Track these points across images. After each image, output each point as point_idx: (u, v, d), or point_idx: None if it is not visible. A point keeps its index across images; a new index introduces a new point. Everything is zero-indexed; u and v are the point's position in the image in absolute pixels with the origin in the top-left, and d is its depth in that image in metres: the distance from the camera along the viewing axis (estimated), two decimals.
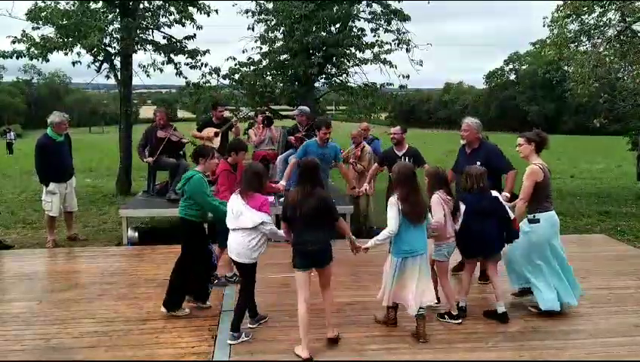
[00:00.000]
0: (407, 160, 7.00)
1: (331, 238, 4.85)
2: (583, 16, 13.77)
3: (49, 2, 11.98)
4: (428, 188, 5.44)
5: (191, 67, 13.52)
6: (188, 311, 5.59)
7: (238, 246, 4.94)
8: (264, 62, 14.80)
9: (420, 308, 4.95)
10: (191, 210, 5.56)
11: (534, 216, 5.44)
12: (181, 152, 9.70)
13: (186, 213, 5.60)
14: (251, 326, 5.26)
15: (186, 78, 13.82)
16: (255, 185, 4.98)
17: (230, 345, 4.86)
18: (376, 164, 7.77)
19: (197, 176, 5.52)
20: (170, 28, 13.25)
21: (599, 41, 14.03)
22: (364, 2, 14.51)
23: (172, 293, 5.54)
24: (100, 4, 12.54)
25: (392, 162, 6.94)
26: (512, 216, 5.40)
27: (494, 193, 5.43)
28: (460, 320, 5.33)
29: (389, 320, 5.29)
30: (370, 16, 14.58)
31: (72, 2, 12.25)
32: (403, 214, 4.88)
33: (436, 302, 5.29)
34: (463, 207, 5.34)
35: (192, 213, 5.55)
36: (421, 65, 14.72)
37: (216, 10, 13.31)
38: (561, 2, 13.69)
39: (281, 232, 5.00)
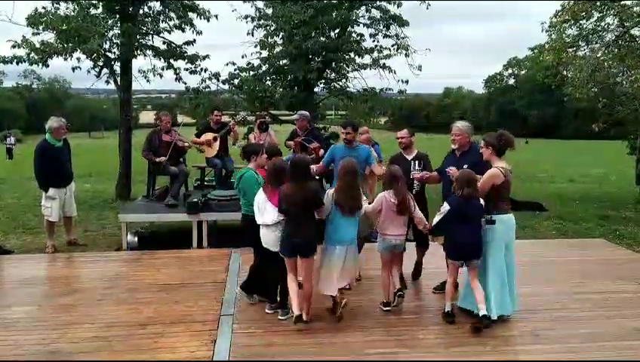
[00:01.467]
0: (416, 164, 6.80)
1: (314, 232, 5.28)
2: (581, 21, 13.82)
3: (49, 8, 12.02)
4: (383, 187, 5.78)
5: (190, 72, 13.56)
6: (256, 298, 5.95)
7: (268, 238, 5.41)
8: (264, 68, 14.83)
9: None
10: (248, 206, 5.66)
11: (491, 218, 5.41)
12: (181, 159, 9.73)
13: (246, 209, 5.75)
14: (268, 311, 5.64)
15: (185, 83, 13.87)
16: (278, 181, 5.29)
17: (229, 347, 4.87)
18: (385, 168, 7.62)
19: (249, 173, 5.77)
20: (170, 33, 13.30)
21: (597, 45, 14.08)
22: (363, 8, 14.56)
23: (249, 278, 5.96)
24: (100, 9, 12.57)
25: (402, 167, 6.68)
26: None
27: (482, 201, 5.42)
28: (387, 308, 5.65)
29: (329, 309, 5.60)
30: (369, 22, 14.64)
31: (72, 7, 12.29)
32: (335, 204, 5.29)
33: (398, 290, 5.66)
34: (445, 208, 5.45)
35: (250, 209, 5.59)
36: (420, 70, 14.77)
37: (216, 16, 13.35)
38: (564, 4, 13.72)
39: None
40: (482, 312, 5.21)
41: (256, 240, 5.54)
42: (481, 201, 5.38)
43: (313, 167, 6.41)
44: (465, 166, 5.83)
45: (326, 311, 5.56)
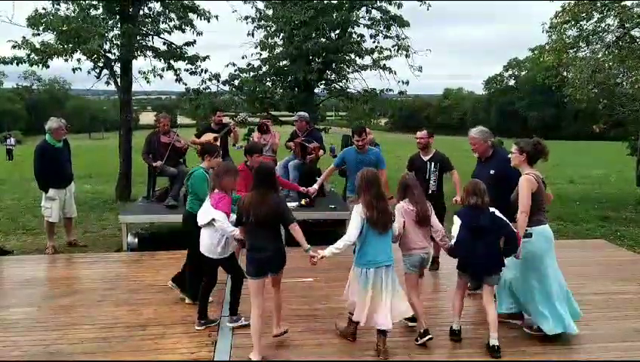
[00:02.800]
0: (433, 166, 6.79)
1: (284, 244, 4.88)
2: (581, 22, 13.82)
3: (49, 9, 12.02)
4: (397, 197, 5.23)
5: (191, 73, 13.57)
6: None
7: (205, 241, 5.18)
8: (264, 68, 14.84)
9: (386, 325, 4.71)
10: (194, 204, 5.66)
11: (526, 230, 5.01)
12: (181, 159, 9.73)
13: (190, 206, 5.75)
14: (229, 324, 5.36)
15: (185, 84, 13.88)
16: (219, 184, 5.09)
17: (230, 349, 4.87)
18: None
19: (199, 171, 5.74)
20: (170, 34, 13.30)
21: (598, 46, 14.09)
22: (363, 8, 14.56)
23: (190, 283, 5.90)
24: (100, 10, 12.58)
25: (419, 168, 6.82)
26: (515, 230, 4.94)
27: (493, 209, 4.93)
28: (424, 339, 4.90)
29: (349, 334, 5.05)
30: (369, 22, 14.63)
31: (72, 8, 12.29)
32: (368, 222, 4.68)
33: (410, 318, 5.07)
34: (458, 221, 4.97)
35: (195, 207, 5.56)
36: (420, 70, 14.77)
37: (216, 17, 13.35)
38: (564, 5, 13.72)
39: (232, 231, 4.96)
40: (492, 341, 4.81)
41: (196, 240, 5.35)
42: (495, 211, 4.90)
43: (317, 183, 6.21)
44: (492, 172, 5.77)
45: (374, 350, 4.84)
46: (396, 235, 4.92)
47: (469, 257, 4.94)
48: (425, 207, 5.04)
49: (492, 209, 4.92)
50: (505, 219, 4.90)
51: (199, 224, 5.16)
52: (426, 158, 6.90)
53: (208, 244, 5.16)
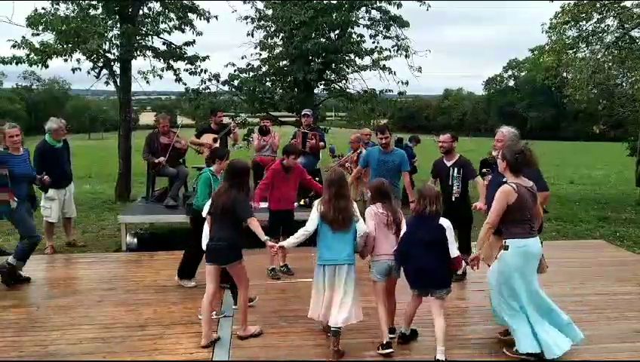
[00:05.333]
0: (456, 171, 6.48)
1: (239, 238, 4.99)
2: (581, 23, 13.83)
3: (49, 9, 12.02)
4: (370, 201, 5.18)
5: (190, 73, 13.55)
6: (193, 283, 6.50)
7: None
8: (264, 69, 14.83)
9: (335, 325, 4.72)
10: (197, 200, 6.09)
11: (505, 243, 4.73)
12: (181, 160, 9.72)
13: (194, 202, 6.23)
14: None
15: (185, 84, 13.87)
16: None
17: (229, 349, 4.86)
18: (432, 179, 6.84)
19: (205, 174, 6.12)
20: (170, 34, 13.29)
21: (598, 47, 14.09)
22: (363, 8, 14.55)
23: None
24: (100, 10, 12.57)
25: (441, 174, 6.63)
26: (454, 252, 4.68)
27: (442, 221, 4.74)
28: (387, 350, 4.76)
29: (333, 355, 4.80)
30: (369, 23, 14.62)
31: (71, 8, 12.28)
32: (320, 217, 4.81)
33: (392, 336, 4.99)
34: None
35: (200, 205, 5.84)
36: (420, 71, 14.76)
37: (216, 17, 13.35)
38: (564, 5, 13.73)
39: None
40: (438, 356, 4.60)
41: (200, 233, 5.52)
42: (443, 221, 4.72)
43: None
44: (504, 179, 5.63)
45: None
46: (362, 235, 4.86)
47: (410, 268, 4.82)
48: (397, 213, 5.00)
49: (442, 221, 4.74)
50: (448, 235, 4.71)
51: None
52: (449, 163, 6.57)
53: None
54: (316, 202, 4.96)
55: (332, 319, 4.74)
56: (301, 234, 4.89)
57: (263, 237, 4.89)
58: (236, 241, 4.96)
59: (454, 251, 4.70)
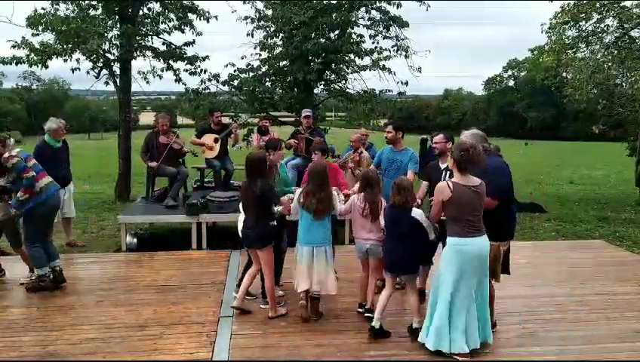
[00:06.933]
0: (448, 176, 5.70)
1: (269, 224, 5.47)
2: (580, 23, 13.82)
3: (49, 9, 12.01)
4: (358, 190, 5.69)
5: (190, 73, 13.54)
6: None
7: None
8: (263, 69, 14.83)
9: (315, 291, 5.46)
10: None
11: (447, 239, 4.79)
12: (180, 160, 9.72)
13: None
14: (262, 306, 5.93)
15: (185, 84, 13.87)
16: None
17: (229, 349, 4.87)
18: (425, 183, 6.33)
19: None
20: (170, 34, 13.29)
21: (597, 47, 14.09)
22: (362, 9, 14.55)
23: None
24: (100, 10, 12.57)
25: (433, 178, 5.93)
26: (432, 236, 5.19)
27: (415, 213, 5.09)
28: (361, 310, 5.60)
29: (307, 313, 5.55)
30: (369, 23, 14.62)
31: (71, 8, 12.28)
32: (300, 206, 5.42)
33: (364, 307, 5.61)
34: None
35: None
36: (420, 71, 14.76)
37: (216, 17, 13.35)
38: (563, 5, 13.73)
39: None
40: (413, 324, 5.14)
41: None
42: (416, 212, 5.11)
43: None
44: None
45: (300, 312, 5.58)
46: (338, 213, 5.66)
47: (387, 253, 5.27)
48: (376, 203, 5.40)
49: (415, 213, 5.11)
50: (425, 224, 5.12)
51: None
52: (443, 166, 6.04)
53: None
54: (297, 191, 5.56)
55: (314, 287, 5.43)
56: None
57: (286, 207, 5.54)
58: (263, 227, 5.44)
59: (432, 234, 5.18)
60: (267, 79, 14.88)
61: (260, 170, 5.47)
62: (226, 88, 14.59)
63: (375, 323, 5.09)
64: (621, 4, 13.20)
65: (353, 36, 14.43)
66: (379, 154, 7.23)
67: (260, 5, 14.73)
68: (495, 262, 4.97)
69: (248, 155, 5.62)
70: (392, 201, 5.17)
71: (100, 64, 12.52)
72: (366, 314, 5.51)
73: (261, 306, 5.82)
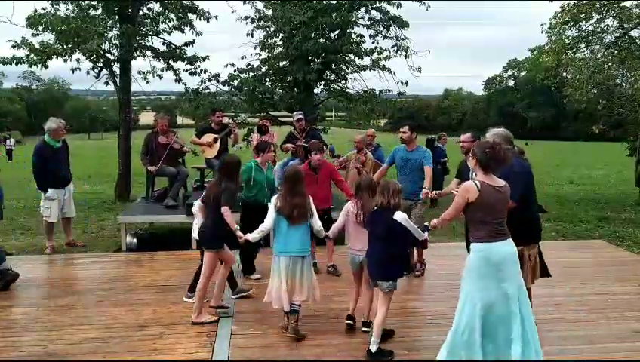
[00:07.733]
0: (475, 175, 5.85)
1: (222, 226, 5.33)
2: (580, 23, 13.82)
3: (49, 9, 12.02)
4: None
5: (190, 73, 13.56)
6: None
7: None
8: (263, 69, 14.82)
9: (293, 303, 5.09)
10: (245, 190, 6.69)
11: (472, 245, 4.38)
12: (180, 160, 9.72)
13: (242, 192, 6.64)
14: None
15: (185, 84, 13.88)
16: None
17: (228, 349, 4.87)
18: (455, 180, 6.19)
19: (248, 164, 6.66)
20: (170, 34, 13.30)
21: (597, 47, 14.09)
22: (362, 9, 14.54)
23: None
24: (100, 10, 12.57)
25: (464, 176, 5.84)
26: (421, 236, 4.80)
27: (398, 215, 4.73)
28: (349, 321, 5.25)
29: (284, 326, 5.22)
30: (368, 23, 14.62)
31: (71, 8, 12.29)
32: (277, 211, 5.13)
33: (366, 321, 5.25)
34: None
35: (246, 193, 6.69)
36: (420, 71, 14.75)
37: (216, 17, 13.36)
38: (565, 4, 13.72)
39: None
40: (370, 346, 4.69)
41: (251, 220, 5.94)
42: (399, 215, 4.72)
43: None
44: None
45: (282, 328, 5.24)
46: (326, 233, 5.42)
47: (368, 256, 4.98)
48: (368, 209, 5.04)
49: (398, 215, 4.72)
50: (410, 228, 4.72)
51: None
52: (471, 165, 6.01)
53: None
54: (274, 198, 5.31)
55: (295, 297, 5.11)
56: (260, 230, 5.21)
57: (234, 226, 5.28)
58: (212, 228, 5.42)
59: (421, 235, 4.82)
60: (267, 79, 14.87)
61: (230, 173, 5.49)
62: (226, 88, 14.60)
63: (372, 347, 4.69)
64: (621, 4, 13.20)
65: (353, 36, 14.42)
66: (392, 153, 7.22)
67: (260, 5, 14.73)
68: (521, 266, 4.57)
69: (225, 157, 5.86)
70: (375, 203, 4.89)
71: (100, 64, 12.54)
72: (363, 329, 5.22)
73: (184, 299, 6.02)
